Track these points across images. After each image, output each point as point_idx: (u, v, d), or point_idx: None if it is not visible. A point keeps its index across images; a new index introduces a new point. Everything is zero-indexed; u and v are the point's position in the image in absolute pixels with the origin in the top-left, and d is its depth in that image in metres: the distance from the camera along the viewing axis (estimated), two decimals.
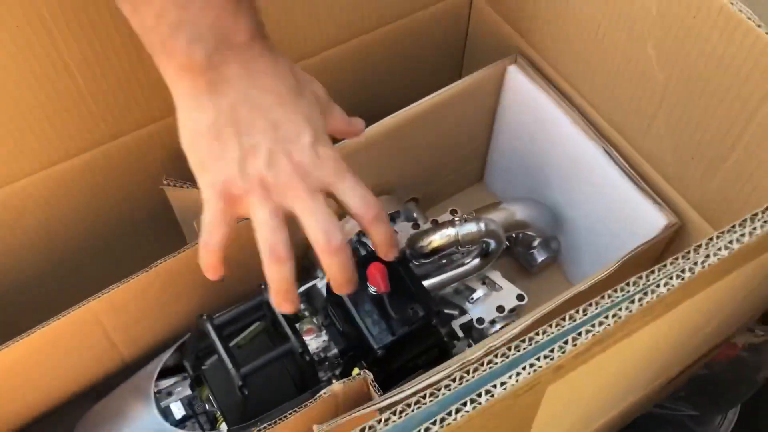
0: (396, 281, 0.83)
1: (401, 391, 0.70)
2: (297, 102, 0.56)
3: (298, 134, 0.56)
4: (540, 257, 1.03)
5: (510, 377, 0.49)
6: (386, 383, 0.84)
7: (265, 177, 0.55)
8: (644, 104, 0.78)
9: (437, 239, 0.86)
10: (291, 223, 0.60)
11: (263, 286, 0.82)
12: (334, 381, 0.84)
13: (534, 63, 0.92)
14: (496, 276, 0.95)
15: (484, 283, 0.95)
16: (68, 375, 0.83)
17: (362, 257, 0.89)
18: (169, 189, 0.84)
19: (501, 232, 0.87)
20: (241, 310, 0.80)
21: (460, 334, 0.93)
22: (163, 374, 0.87)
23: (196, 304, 0.87)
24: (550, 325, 0.51)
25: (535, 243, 1.01)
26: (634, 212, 0.84)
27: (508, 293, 0.94)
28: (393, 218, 0.97)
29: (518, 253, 1.06)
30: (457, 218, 0.85)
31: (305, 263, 1.00)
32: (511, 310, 0.94)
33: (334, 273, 0.60)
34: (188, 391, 0.85)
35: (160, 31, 0.52)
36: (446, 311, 0.95)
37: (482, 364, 0.51)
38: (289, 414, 0.70)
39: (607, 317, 0.50)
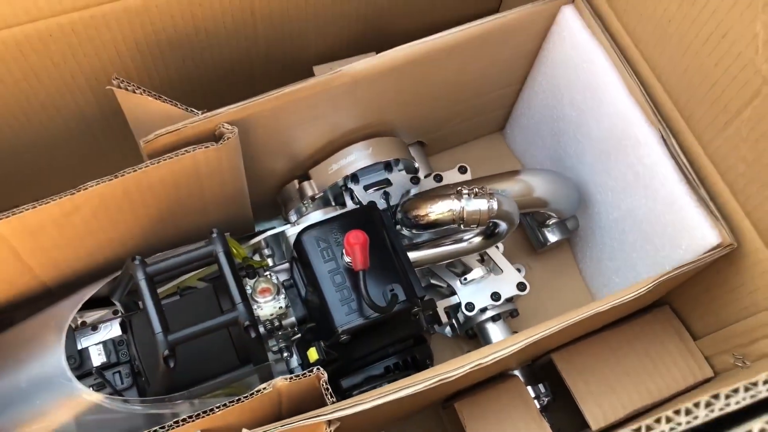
0: (378, 251, 0.69)
1: (360, 402, 0.57)
2: None
3: None
4: (552, 238, 0.88)
5: None
6: (347, 369, 0.71)
7: None
8: (729, 95, 0.61)
9: (437, 212, 0.70)
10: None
11: (214, 234, 0.66)
12: (285, 354, 0.71)
13: (596, 8, 0.74)
14: (496, 254, 0.81)
15: (482, 261, 0.81)
16: None
17: (346, 214, 0.74)
18: (119, 91, 0.67)
19: (515, 214, 0.71)
20: (183, 258, 0.65)
21: (444, 319, 0.79)
22: (95, 304, 0.74)
23: (136, 232, 0.72)
24: None
25: (551, 221, 0.86)
26: (681, 220, 0.69)
27: (508, 278, 0.80)
28: (389, 166, 0.81)
29: (527, 225, 0.91)
30: (465, 190, 0.69)
31: (278, 200, 0.84)
32: (508, 300, 0.80)
33: None
34: (117, 332, 0.72)
35: None
36: (432, 282, 0.81)
37: None
38: (217, 408, 0.57)
39: None
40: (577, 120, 0.80)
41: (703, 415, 0.33)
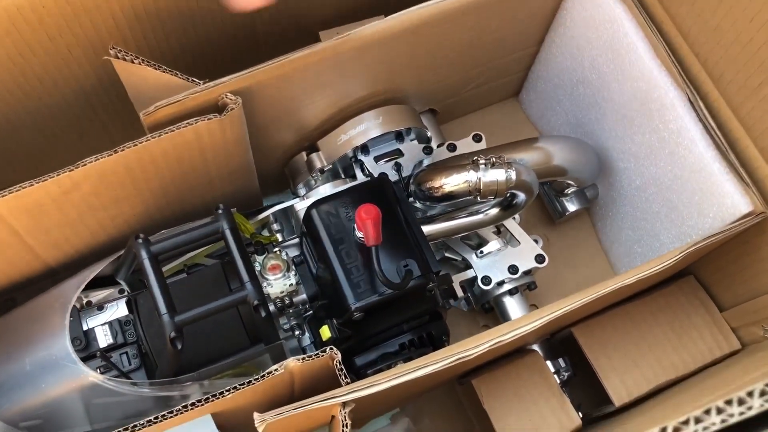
0: (391, 226, 0.66)
1: (375, 383, 0.55)
2: None
3: None
4: (571, 208, 0.85)
5: None
6: (360, 347, 0.69)
7: None
8: (766, 53, 0.57)
9: (452, 184, 0.67)
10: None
11: (220, 210, 0.64)
12: (297, 332, 0.69)
13: None
14: (513, 226, 0.77)
15: (498, 232, 0.78)
16: None
17: (356, 187, 0.71)
18: (117, 62, 0.64)
19: (534, 184, 0.68)
20: (188, 236, 0.62)
21: (460, 293, 0.76)
22: (101, 283, 0.72)
23: (139, 209, 0.70)
24: None
25: (569, 191, 0.83)
26: (709, 187, 0.65)
27: (525, 250, 0.77)
28: (401, 136, 0.77)
29: (544, 194, 0.88)
30: (482, 160, 0.65)
31: (286, 173, 0.82)
32: (526, 272, 0.77)
33: None
34: (123, 311, 0.70)
35: None
36: (446, 255, 0.79)
37: None
38: (228, 391, 0.55)
39: None
40: (598, 83, 0.76)
41: (737, 413, 0.30)
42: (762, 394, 0.30)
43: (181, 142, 0.63)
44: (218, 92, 0.63)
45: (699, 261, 0.76)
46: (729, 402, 0.30)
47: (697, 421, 0.30)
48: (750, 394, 0.30)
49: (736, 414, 0.30)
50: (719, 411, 0.30)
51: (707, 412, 0.30)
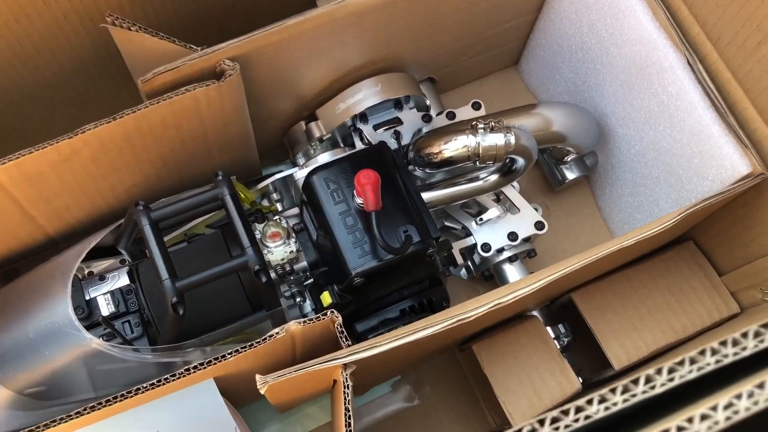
0: (390, 192, 0.66)
1: (376, 344, 0.55)
2: None
3: None
4: (571, 175, 0.85)
5: None
6: (361, 313, 0.69)
7: None
8: (764, 11, 0.57)
9: (451, 149, 0.67)
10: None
11: (220, 177, 0.64)
12: (298, 299, 0.69)
13: None
14: (512, 193, 0.78)
15: (497, 200, 0.78)
16: None
17: (355, 155, 0.71)
18: (114, 29, 0.64)
19: (534, 149, 0.68)
20: (188, 203, 0.62)
21: (460, 260, 0.77)
22: (102, 253, 0.72)
23: (139, 178, 0.70)
24: None
25: (569, 158, 0.83)
26: (708, 149, 0.65)
27: (525, 217, 0.77)
28: (399, 104, 0.77)
29: (544, 162, 0.87)
30: (481, 124, 0.65)
31: (285, 143, 0.81)
32: (526, 239, 0.77)
33: None
34: (125, 281, 0.70)
35: None
36: (446, 224, 0.79)
37: None
38: (230, 354, 0.55)
39: None
40: (597, 48, 0.75)
41: (732, 353, 0.31)
42: (756, 335, 0.30)
43: (180, 109, 0.63)
44: (216, 59, 0.63)
45: (698, 226, 0.76)
46: (723, 343, 0.31)
47: (692, 361, 0.31)
48: (744, 335, 0.31)
49: (730, 354, 0.31)
50: (714, 352, 0.30)
51: (702, 352, 0.31)
